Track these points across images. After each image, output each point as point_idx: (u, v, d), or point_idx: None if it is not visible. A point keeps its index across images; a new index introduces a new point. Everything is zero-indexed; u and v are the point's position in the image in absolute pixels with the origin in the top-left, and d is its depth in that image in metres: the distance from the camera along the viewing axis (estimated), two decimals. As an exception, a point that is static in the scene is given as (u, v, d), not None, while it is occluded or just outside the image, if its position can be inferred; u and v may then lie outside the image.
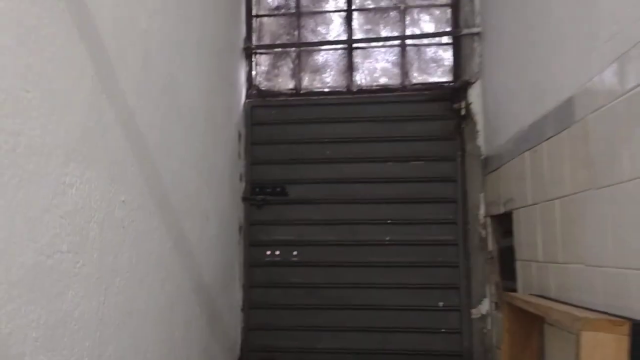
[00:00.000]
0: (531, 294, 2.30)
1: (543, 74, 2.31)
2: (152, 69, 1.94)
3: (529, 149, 2.43)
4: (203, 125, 2.66)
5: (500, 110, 3.04)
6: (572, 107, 1.96)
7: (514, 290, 3.02)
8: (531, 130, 2.41)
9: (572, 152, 1.95)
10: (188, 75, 2.41)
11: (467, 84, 3.46)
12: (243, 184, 3.54)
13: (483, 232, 3.31)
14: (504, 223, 3.14)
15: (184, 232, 2.23)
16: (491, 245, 3.21)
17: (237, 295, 3.39)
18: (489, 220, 3.23)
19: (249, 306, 3.45)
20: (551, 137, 2.16)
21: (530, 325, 2.26)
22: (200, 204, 2.55)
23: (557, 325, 2.10)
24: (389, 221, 3.42)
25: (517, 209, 2.62)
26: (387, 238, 3.41)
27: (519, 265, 2.62)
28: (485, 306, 3.24)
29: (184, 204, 2.27)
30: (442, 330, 3.28)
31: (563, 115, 2.04)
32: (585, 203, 1.83)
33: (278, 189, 3.54)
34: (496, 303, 3.13)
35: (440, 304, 3.31)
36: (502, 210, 2.89)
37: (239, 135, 3.49)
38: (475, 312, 3.25)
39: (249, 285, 3.47)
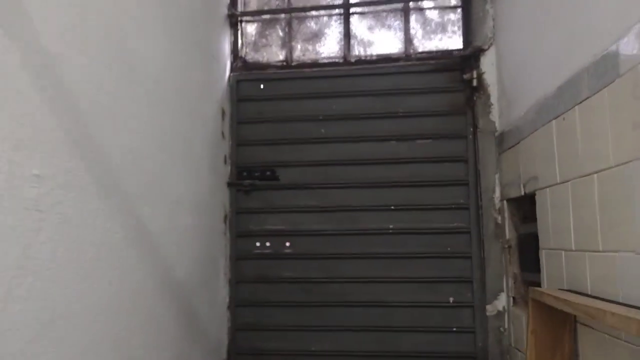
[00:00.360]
0: (561, 289, 1.92)
1: (574, 26, 1.92)
2: (91, 17, 1.57)
3: (557, 117, 2.04)
4: (174, 98, 2.29)
5: (518, 77, 2.64)
6: (617, 58, 1.58)
7: (537, 284, 2.64)
8: (558, 95, 2.03)
9: (616, 114, 1.57)
10: (150, 38, 2.03)
11: (479, 51, 3.06)
12: (228, 168, 3.17)
13: (499, 218, 2.92)
14: (524, 207, 2.75)
15: (143, 220, 1.87)
16: (509, 232, 2.82)
17: (222, 292, 3.02)
18: (505, 204, 2.84)
19: (236, 304, 3.09)
20: (586, 99, 1.78)
21: (561, 326, 1.87)
22: (168, 187, 2.18)
23: (602, 331, 1.71)
24: (392, 207, 3.04)
25: (541, 189, 2.23)
26: (391, 226, 3.03)
27: (544, 255, 2.24)
28: (501, 302, 2.86)
29: (143, 186, 1.91)
30: (453, 329, 2.90)
31: (603, 70, 1.66)
32: (634, 176, 1.44)
33: (268, 173, 3.17)
34: (514, 298, 2.75)
35: (451, 299, 2.93)
36: (522, 192, 2.50)
37: (223, 113, 3.11)
38: (491, 309, 2.87)
39: (236, 281, 3.11)
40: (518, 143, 2.55)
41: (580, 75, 1.83)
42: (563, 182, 1.99)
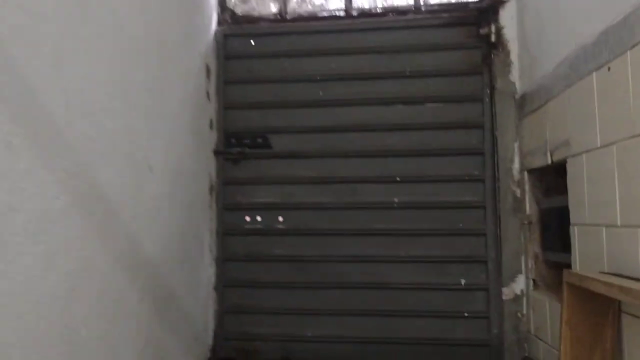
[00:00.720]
0: (604, 272, 1.60)
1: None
2: None
3: (599, 68, 1.71)
4: (144, 47, 1.95)
5: (545, 29, 2.28)
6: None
7: (562, 266, 2.33)
8: (602, 41, 1.69)
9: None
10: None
11: (498, 3, 2.71)
12: (214, 134, 2.84)
13: (517, 192, 2.59)
14: (547, 178, 2.43)
15: (98, 184, 1.54)
16: (529, 207, 2.50)
17: (208, 271, 2.72)
18: (526, 175, 2.51)
19: (223, 284, 2.79)
20: (643, 40, 1.44)
21: (603, 316, 1.57)
22: (138, 149, 1.85)
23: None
24: (397, 179, 2.72)
25: (575, 155, 1.90)
26: (396, 200, 2.71)
27: (576, 232, 1.92)
28: (519, 284, 2.55)
29: (101, 146, 1.58)
30: (465, 314, 2.61)
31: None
32: None
33: (259, 140, 2.83)
34: (535, 281, 2.44)
35: (463, 281, 2.63)
36: (548, 160, 2.17)
37: (207, 71, 2.76)
38: (507, 292, 2.57)
39: (223, 259, 2.80)
40: (545, 104, 2.21)
41: (635, 15, 1.49)
42: (606, 146, 1.66)
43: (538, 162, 2.31)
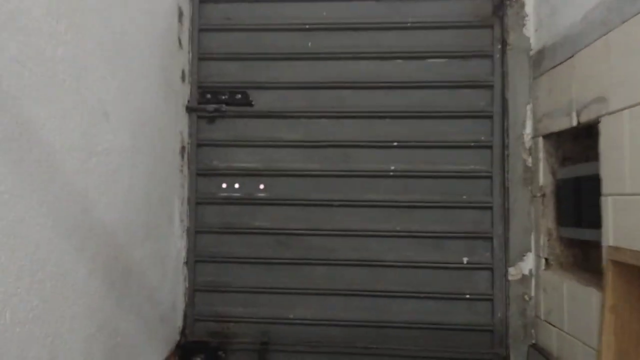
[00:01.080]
0: (654, 250, 1.33)
1: None
2: None
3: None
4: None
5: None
6: None
7: (580, 243, 2.07)
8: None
9: None
10: None
11: (514, -54, 2.38)
12: (187, 87, 2.47)
13: (529, 160, 2.31)
14: (564, 145, 2.16)
15: (30, 122, 1.19)
16: (543, 177, 2.22)
17: (178, 244, 2.38)
18: (540, 142, 2.23)
19: (196, 259, 2.46)
20: None
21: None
22: (87, 87, 1.49)
23: None
24: (395, 144, 2.41)
25: (614, 113, 1.61)
26: (392, 168, 2.40)
27: (610, 203, 1.64)
28: (527, 264, 2.29)
29: (33, 71, 1.22)
30: (466, 296, 2.34)
31: None
32: None
33: (238, 96, 2.48)
34: (547, 260, 2.18)
35: (465, 260, 2.35)
36: (574, 121, 1.88)
37: (180, 14, 2.38)
38: (514, 272, 2.30)
39: (196, 230, 2.47)
40: (571, 57, 1.91)
41: None
42: (659, 98, 1.37)
43: (558, 125, 2.02)
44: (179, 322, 2.40)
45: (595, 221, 1.74)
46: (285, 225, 2.43)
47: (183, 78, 2.43)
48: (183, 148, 2.43)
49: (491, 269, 2.33)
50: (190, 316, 2.44)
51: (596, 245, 2.00)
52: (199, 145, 2.49)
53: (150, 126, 2.02)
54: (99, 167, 1.55)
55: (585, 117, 1.80)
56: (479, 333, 2.32)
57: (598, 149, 1.71)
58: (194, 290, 2.45)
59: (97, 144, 1.53)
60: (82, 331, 1.45)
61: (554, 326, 2.04)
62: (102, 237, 1.58)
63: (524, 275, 2.29)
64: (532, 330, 2.26)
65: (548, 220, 2.19)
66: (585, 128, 1.88)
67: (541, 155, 2.23)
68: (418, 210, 2.39)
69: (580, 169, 1.99)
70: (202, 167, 2.48)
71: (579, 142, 2.11)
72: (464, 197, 2.37)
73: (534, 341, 2.25)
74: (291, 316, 2.40)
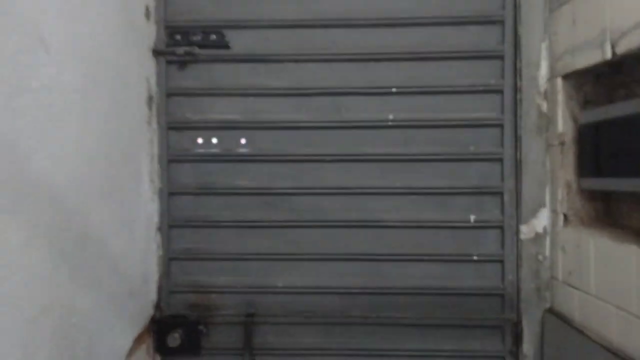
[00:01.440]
0: None
1: None
2: None
3: None
4: None
5: None
6: None
7: (603, 195, 1.84)
8: None
9: None
10: None
11: None
12: (153, 27, 2.13)
13: (543, 105, 2.06)
14: (586, 87, 1.89)
15: None
16: (562, 123, 1.96)
17: (149, 207, 2.09)
18: (558, 83, 1.96)
19: (170, 224, 2.17)
20: None
21: None
22: (17, 8, 1.16)
23: None
24: (393, 90, 2.12)
25: (665, 34, 1.34)
26: (390, 117, 2.12)
27: (656, 144, 1.39)
28: (541, 221, 2.07)
29: None
30: (474, 257, 2.11)
31: None
32: None
33: (212, 37, 2.15)
34: (566, 216, 1.95)
35: (472, 218, 2.11)
36: (607, 53, 1.61)
37: None
38: (526, 230, 2.08)
39: (169, 192, 2.17)
40: (603, -22, 1.63)
41: None
42: None
43: (585, 60, 1.76)
44: (153, 295, 2.13)
45: (627, 170, 1.50)
46: (272, 184, 2.15)
47: (147, 15, 2.08)
48: (150, 97, 2.11)
49: (501, 228, 2.10)
50: (166, 288, 2.17)
51: (622, 199, 1.78)
52: (169, 95, 2.16)
53: (107, 68, 1.69)
54: (34, 108, 1.23)
55: (624, 47, 1.53)
56: (488, 298, 2.11)
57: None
58: (169, 259, 2.17)
59: (30, 77, 1.21)
60: (20, 314, 1.17)
61: (576, 289, 1.82)
62: (44, 197, 1.28)
63: (537, 234, 2.07)
64: (547, 294, 2.05)
65: (567, 172, 1.95)
66: (615, 64, 1.62)
67: (560, 98, 1.97)
68: (420, 164, 2.13)
69: (599, 114, 1.74)
70: (173, 119, 2.17)
71: (602, 83, 1.86)
72: (471, 148, 2.11)
73: (549, 305, 2.04)
74: (280, 285, 2.15)
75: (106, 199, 1.66)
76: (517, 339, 2.08)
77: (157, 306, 2.14)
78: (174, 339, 2.08)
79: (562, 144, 1.96)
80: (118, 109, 1.78)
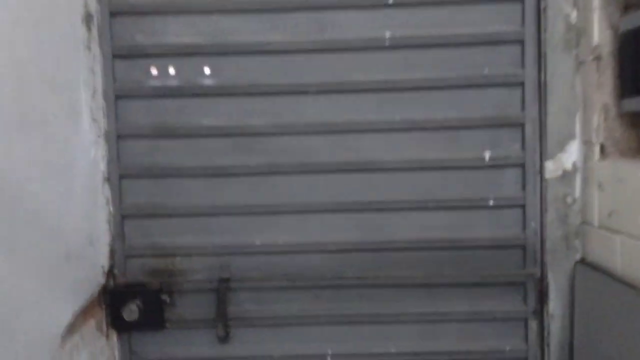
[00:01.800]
0: None
1: None
2: None
3: None
4: None
5: None
6: None
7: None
8: None
9: None
10: None
11: None
12: None
13: (573, 14, 1.69)
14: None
15: None
16: (598, 34, 1.60)
17: (91, 154, 1.70)
18: (593, -16, 1.59)
19: (120, 174, 1.78)
20: None
21: None
22: None
23: None
24: (389, 1, 1.73)
25: None
26: (387, 35, 1.74)
27: None
28: (571, 155, 1.72)
29: None
30: (490, 202, 1.77)
31: None
32: None
33: (164, -61, 1.72)
34: (602, 146, 1.60)
35: (487, 155, 1.76)
36: None
37: None
38: (553, 167, 1.73)
39: (118, 134, 1.78)
40: None
41: None
42: None
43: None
44: (103, 260, 1.75)
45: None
46: (245, 122, 1.77)
47: None
48: (89, 15, 1.69)
49: (522, 166, 1.75)
50: (120, 251, 1.79)
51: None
52: (114, 14, 1.74)
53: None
54: None
55: None
56: (507, 250, 1.77)
57: None
58: (123, 217, 1.79)
59: None
60: None
61: (618, 233, 1.49)
62: None
63: (565, 171, 1.73)
64: (578, 243, 1.72)
65: (604, 93, 1.60)
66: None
67: (595, 3, 1.60)
68: (423, 93, 1.75)
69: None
70: (120, 44, 1.75)
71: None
72: (486, 70, 1.74)
73: (580, 256, 1.72)
74: (258, 243, 1.79)
75: (23, 139, 1.26)
76: (542, 297, 1.75)
77: (110, 273, 1.77)
78: (131, 312, 1.71)
79: (598, 58, 1.60)
80: (41, 25, 1.37)
